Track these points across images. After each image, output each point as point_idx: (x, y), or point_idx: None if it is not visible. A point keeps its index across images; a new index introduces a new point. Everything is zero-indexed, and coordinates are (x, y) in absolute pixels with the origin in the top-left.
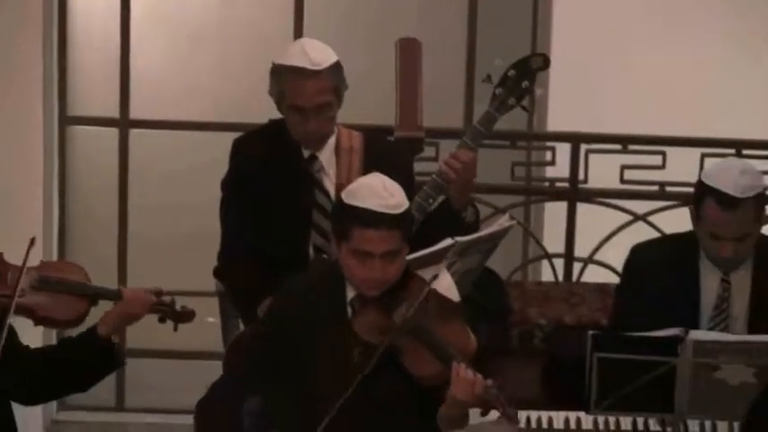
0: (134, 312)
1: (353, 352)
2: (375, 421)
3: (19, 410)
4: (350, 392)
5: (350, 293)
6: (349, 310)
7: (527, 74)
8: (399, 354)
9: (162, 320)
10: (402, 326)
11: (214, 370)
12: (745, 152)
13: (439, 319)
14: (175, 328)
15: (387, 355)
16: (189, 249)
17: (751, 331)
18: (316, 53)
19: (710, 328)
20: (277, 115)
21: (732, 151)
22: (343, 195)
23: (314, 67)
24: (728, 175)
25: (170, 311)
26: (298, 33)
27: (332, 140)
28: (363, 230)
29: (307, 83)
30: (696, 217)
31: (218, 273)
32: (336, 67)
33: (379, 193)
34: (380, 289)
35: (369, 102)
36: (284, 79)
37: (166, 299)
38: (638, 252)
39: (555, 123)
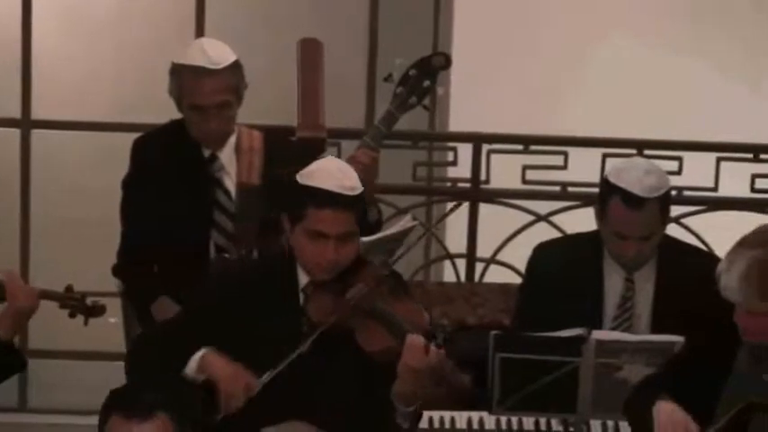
0: (25, 306)
1: (307, 336)
2: (327, 404)
3: None
4: (283, 369)
5: (302, 280)
6: (302, 297)
7: (429, 73)
8: (353, 332)
9: (72, 315)
10: (356, 305)
11: (116, 371)
12: (646, 152)
13: (392, 298)
14: (86, 323)
15: (339, 335)
16: (91, 251)
17: (654, 331)
18: (215, 52)
19: (614, 328)
20: (178, 115)
21: (634, 151)
22: (299, 177)
23: (213, 66)
24: (634, 174)
25: (81, 306)
26: (199, 32)
27: (232, 140)
28: (319, 210)
29: (206, 82)
30: (601, 216)
31: (116, 271)
32: (236, 66)
33: (334, 174)
34: (333, 272)
35: (269, 101)
36: (183, 78)
37: (76, 294)
38: (541, 251)
39: (457, 123)
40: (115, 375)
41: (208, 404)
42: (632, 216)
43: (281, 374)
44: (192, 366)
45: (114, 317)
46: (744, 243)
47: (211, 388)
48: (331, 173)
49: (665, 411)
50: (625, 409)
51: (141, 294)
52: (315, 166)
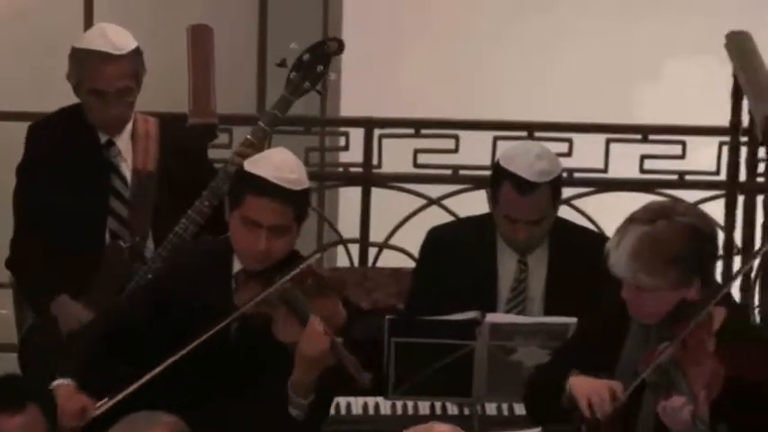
0: None
1: (232, 325)
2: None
3: None
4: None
5: (236, 267)
6: (233, 283)
7: (322, 58)
8: (271, 321)
9: None
10: (275, 294)
11: (8, 362)
12: (537, 134)
13: (316, 294)
14: None
15: (261, 325)
16: None
17: (547, 313)
18: (117, 37)
19: (508, 310)
20: (70, 102)
21: (524, 134)
22: (247, 163)
23: (116, 52)
24: (525, 159)
25: None
26: (88, 21)
27: (129, 126)
28: (256, 198)
29: (108, 67)
30: (493, 200)
31: (9, 264)
32: (137, 52)
33: (280, 166)
34: (263, 263)
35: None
36: (85, 63)
37: None
38: (434, 235)
39: (348, 108)
40: (6, 368)
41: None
42: (524, 201)
43: (203, 357)
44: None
45: (5, 309)
46: (632, 220)
47: None
48: (275, 163)
49: (582, 383)
50: (529, 395)
51: (40, 289)
52: (264, 154)
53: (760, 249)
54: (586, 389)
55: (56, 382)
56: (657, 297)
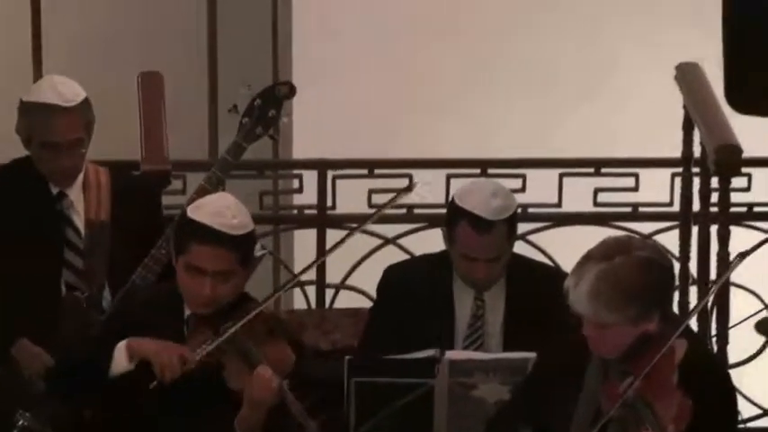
0: None
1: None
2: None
3: None
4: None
5: (187, 311)
6: (185, 328)
7: (273, 102)
8: (222, 368)
9: None
10: (225, 341)
11: None
12: (490, 171)
13: (267, 338)
14: None
15: (210, 369)
16: None
17: (506, 348)
18: (66, 89)
19: (466, 347)
20: (18, 154)
21: (477, 171)
22: (189, 209)
23: (66, 104)
24: (481, 197)
25: None
26: (37, 70)
27: (80, 176)
28: (199, 246)
29: (59, 119)
30: (449, 239)
31: None
32: (86, 102)
33: (221, 211)
34: (210, 308)
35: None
36: (34, 116)
37: None
38: (390, 274)
39: (300, 150)
40: None
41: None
42: (480, 239)
43: (158, 400)
44: (119, 359)
45: None
46: (589, 257)
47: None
48: (216, 209)
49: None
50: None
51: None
52: (205, 199)
53: (717, 280)
54: None
55: None
56: (618, 332)
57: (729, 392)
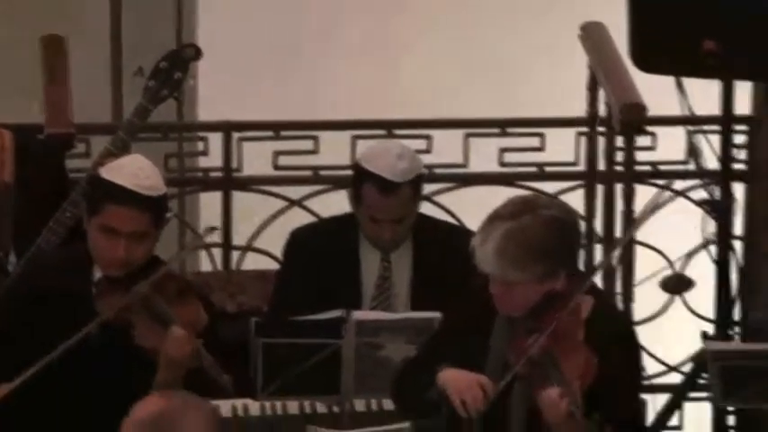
0: None
1: (93, 332)
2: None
3: None
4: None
5: (97, 275)
6: (94, 291)
7: (179, 65)
8: (131, 328)
9: None
10: (136, 301)
11: None
12: (396, 132)
13: (176, 298)
14: None
15: (119, 330)
16: None
17: (413, 308)
18: None
19: (373, 308)
20: None
21: (383, 132)
22: (103, 170)
23: None
24: (386, 159)
25: None
26: None
27: None
28: (114, 207)
29: None
30: (355, 200)
31: None
32: None
33: (137, 173)
34: (123, 269)
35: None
36: None
37: None
38: (297, 236)
39: (206, 113)
40: None
41: None
42: (386, 201)
43: (65, 366)
44: None
45: None
46: (496, 216)
47: None
48: (131, 171)
49: (454, 380)
50: (397, 389)
51: None
52: (119, 161)
53: (621, 238)
54: (459, 387)
55: None
56: (525, 290)
57: (635, 349)
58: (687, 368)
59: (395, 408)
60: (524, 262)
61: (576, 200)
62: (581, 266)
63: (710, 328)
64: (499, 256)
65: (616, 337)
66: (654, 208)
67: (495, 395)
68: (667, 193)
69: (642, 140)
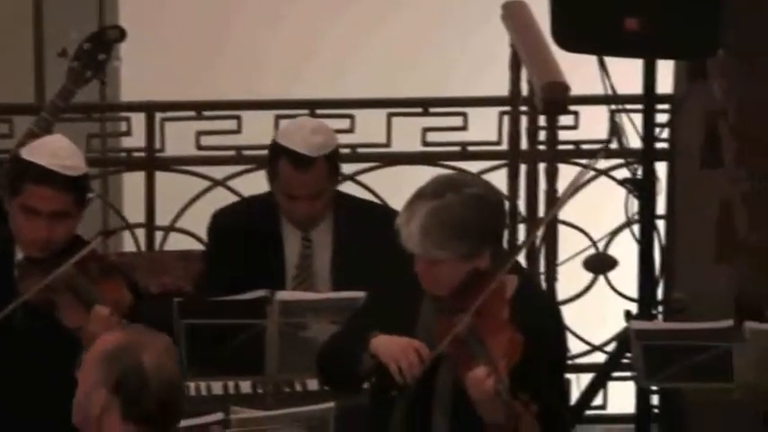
0: None
1: (17, 314)
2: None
3: None
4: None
5: (19, 255)
6: (15, 272)
7: (103, 46)
8: (54, 308)
9: None
10: (59, 280)
11: None
12: (318, 111)
13: (99, 278)
14: None
15: (43, 310)
16: None
17: (335, 287)
18: None
19: (295, 287)
20: None
21: (306, 112)
22: (23, 151)
23: None
24: (300, 134)
25: None
26: None
27: None
28: (34, 186)
29: None
30: (271, 177)
31: None
32: None
33: (57, 152)
34: (44, 250)
35: None
36: None
37: None
38: (219, 217)
39: (129, 94)
40: None
41: None
42: (301, 176)
43: None
44: None
45: None
46: (420, 195)
47: None
48: (52, 150)
49: (388, 341)
50: (324, 363)
51: None
52: (40, 141)
53: (544, 217)
54: (394, 352)
55: None
56: (450, 269)
57: (559, 328)
58: (611, 348)
59: (320, 382)
60: (449, 240)
61: (499, 179)
62: (505, 246)
63: (634, 308)
64: (423, 234)
65: (541, 316)
66: (576, 187)
67: (430, 360)
68: (590, 172)
69: (565, 120)
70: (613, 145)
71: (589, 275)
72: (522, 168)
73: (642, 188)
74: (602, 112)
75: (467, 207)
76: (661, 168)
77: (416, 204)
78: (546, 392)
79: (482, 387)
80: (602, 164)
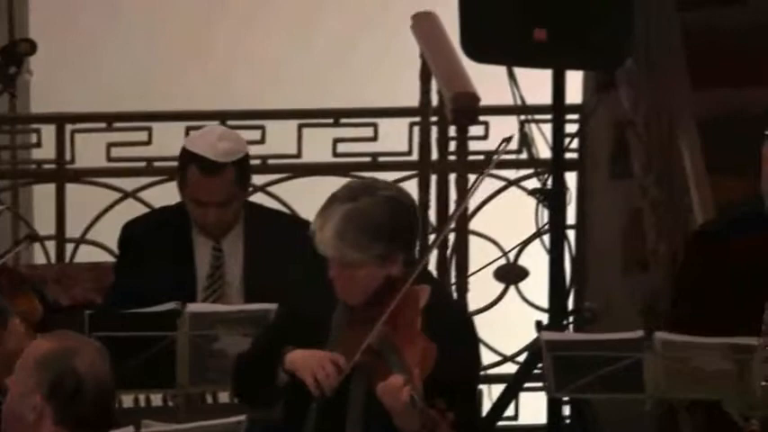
0: None
1: None
2: None
3: None
4: None
5: None
6: None
7: (14, 60)
8: None
9: None
10: None
11: None
12: (230, 123)
13: (10, 291)
14: None
15: None
16: None
17: (247, 297)
18: None
19: (206, 298)
20: None
21: (216, 122)
22: None
23: None
24: (208, 140)
25: None
26: None
27: None
28: None
29: None
30: (181, 185)
31: None
32: None
33: None
34: None
35: None
36: None
37: None
38: (129, 228)
39: (39, 106)
40: None
41: None
42: (208, 182)
43: None
44: None
45: None
46: (335, 199)
47: None
48: None
49: (302, 359)
50: (239, 380)
51: None
52: None
53: (447, 223)
54: (310, 365)
55: None
56: (364, 274)
57: (472, 337)
58: (522, 358)
59: (234, 396)
60: (363, 242)
61: (409, 190)
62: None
63: (545, 318)
64: (338, 236)
65: (454, 326)
66: (477, 188)
67: (348, 370)
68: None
69: (475, 130)
70: (523, 155)
71: (500, 286)
72: (433, 179)
73: (552, 198)
74: (512, 122)
75: (381, 209)
76: (571, 178)
77: (331, 208)
78: (461, 401)
79: (397, 396)
80: (513, 174)
